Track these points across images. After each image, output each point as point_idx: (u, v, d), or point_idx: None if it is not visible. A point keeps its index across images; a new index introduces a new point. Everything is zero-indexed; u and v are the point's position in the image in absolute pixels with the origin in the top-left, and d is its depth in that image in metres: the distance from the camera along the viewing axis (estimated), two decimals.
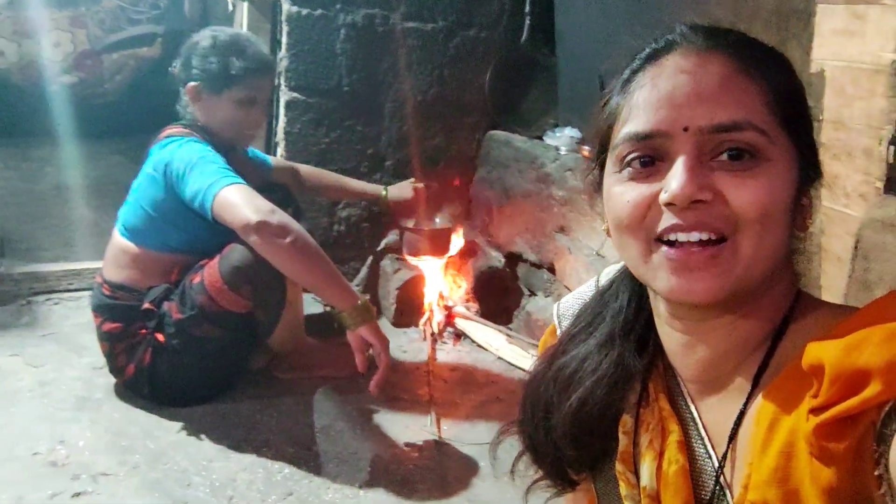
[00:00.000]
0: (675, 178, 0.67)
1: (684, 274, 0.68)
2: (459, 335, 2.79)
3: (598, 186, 0.81)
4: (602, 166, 0.79)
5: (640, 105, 0.72)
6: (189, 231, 2.14)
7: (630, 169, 0.72)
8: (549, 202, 2.68)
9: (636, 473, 0.79)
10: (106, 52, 5.19)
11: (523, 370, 2.47)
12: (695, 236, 0.67)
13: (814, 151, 0.74)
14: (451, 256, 2.97)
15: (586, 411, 0.82)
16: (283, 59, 2.87)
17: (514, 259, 2.95)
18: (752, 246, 0.67)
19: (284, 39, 2.87)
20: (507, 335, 2.64)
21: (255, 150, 2.60)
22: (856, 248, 1.52)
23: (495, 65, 3.10)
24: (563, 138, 2.78)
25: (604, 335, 0.84)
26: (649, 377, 0.82)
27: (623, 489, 0.79)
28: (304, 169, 2.76)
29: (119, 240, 2.21)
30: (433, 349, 2.66)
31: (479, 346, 2.72)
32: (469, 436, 2.13)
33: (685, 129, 0.68)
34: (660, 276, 0.71)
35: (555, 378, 0.86)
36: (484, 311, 2.88)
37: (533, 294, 2.85)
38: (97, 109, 5.08)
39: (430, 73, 3.05)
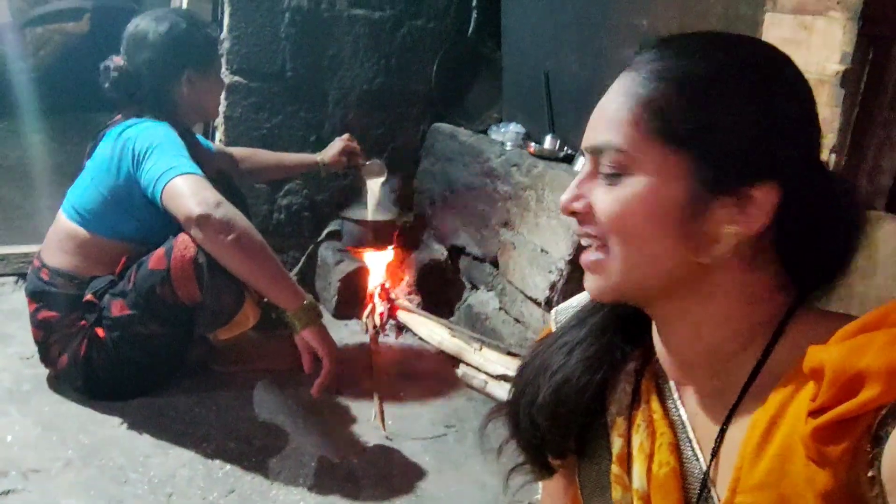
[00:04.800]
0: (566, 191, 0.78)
1: (586, 275, 0.78)
2: (402, 328, 2.78)
3: None
4: None
5: None
6: (144, 221, 2.05)
7: None
8: (493, 197, 2.68)
9: (629, 475, 0.80)
10: (30, 26, 4.95)
11: (465, 363, 2.48)
12: (585, 241, 0.77)
13: (729, 159, 0.69)
14: (394, 248, 2.95)
15: (566, 389, 0.84)
16: (224, 41, 2.78)
17: (456, 252, 2.95)
18: (619, 254, 0.73)
19: (226, 21, 2.79)
20: (450, 328, 2.64)
21: (199, 136, 2.52)
22: None
23: (442, 56, 3.08)
24: (508, 133, 2.79)
25: (596, 326, 0.86)
26: (642, 379, 0.83)
27: (617, 493, 0.80)
28: (237, 151, 2.69)
29: (66, 223, 2.10)
30: (375, 342, 2.64)
31: (421, 339, 2.71)
32: (413, 429, 2.13)
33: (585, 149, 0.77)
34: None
35: (543, 361, 0.88)
36: (425, 303, 2.88)
37: (475, 287, 2.86)
38: (19, 86, 4.84)
39: (377, 61, 3.02)
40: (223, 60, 2.77)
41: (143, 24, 2.14)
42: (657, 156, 0.70)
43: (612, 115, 0.74)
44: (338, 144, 2.71)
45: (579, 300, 0.96)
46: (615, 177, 0.72)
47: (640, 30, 2.22)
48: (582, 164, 0.79)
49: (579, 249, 0.79)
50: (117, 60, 2.14)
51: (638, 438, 0.79)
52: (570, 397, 0.84)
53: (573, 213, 0.76)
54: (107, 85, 2.14)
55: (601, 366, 0.84)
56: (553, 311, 0.99)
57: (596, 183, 0.75)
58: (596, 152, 0.74)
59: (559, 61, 2.67)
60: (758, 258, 0.73)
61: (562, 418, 0.85)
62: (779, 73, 0.73)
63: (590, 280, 0.78)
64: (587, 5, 2.48)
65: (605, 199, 0.73)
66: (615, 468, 0.80)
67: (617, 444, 0.81)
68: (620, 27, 2.34)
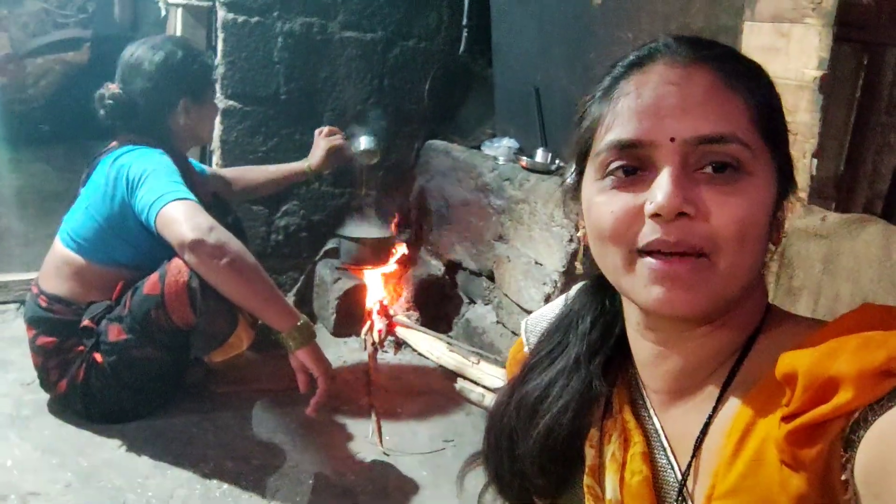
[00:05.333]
0: (662, 190, 0.67)
1: (666, 285, 0.68)
2: (400, 344, 2.79)
3: (574, 193, 0.80)
4: (581, 173, 0.78)
5: (625, 113, 0.71)
6: (139, 247, 2.07)
7: (613, 177, 0.71)
8: (487, 211, 2.71)
9: (602, 486, 0.78)
10: (29, 57, 5.02)
11: (464, 377, 2.48)
12: (676, 249, 0.68)
13: (790, 164, 0.74)
14: (391, 265, 2.98)
15: (553, 438, 0.81)
16: (218, 66, 2.83)
17: (453, 267, 2.97)
18: (729, 264, 0.67)
19: (220, 46, 2.83)
20: (448, 343, 2.66)
21: (192, 160, 2.55)
22: (782, 256, 1.59)
23: (434, 75, 3.13)
24: (500, 148, 2.82)
25: (569, 360, 0.83)
26: (613, 389, 0.82)
27: None
28: (229, 172, 2.71)
29: (62, 250, 2.12)
30: (373, 358, 2.65)
31: (420, 354, 2.73)
32: (410, 445, 2.13)
33: (672, 140, 0.67)
34: (642, 288, 0.70)
35: (518, 407, 0.85)
36: (424, 319, 2.89)
37: (472, 302, 2.87)
38: (20, 116, 4.90)
39: (370, 82, 3.06)
40: (217, 85, 2.81)
41: (138, 52, 2.17)
42: (766, 155, 0.69)
43: (721, 107, 0.68)
44: (321, 146, 2.68)
45: (550, 309, 0.94)
46: (732, 174, 0.67)
47: (625, 43, 2.25)
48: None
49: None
50: (112, 88, 2.16)
51: (610, 448, 0.78)
52: (559, 446, 0.81)
53: (679, 216, 0.66)
54: (102, 112, 2.17)
55: (582, 406, 0.81)
56: (524, 322, 0.97)
57: (696, 181, 0.68)
58: (714, 142, 0.67)
59: (549, 76, 2.70)
60: None
61: (554, 468, 0.83)
62: None
63: (686, 293, 0.67)
64: (573, 21, 2.52)
65: (728, 202, 0.66)
66: (588, 479, 0.79)
67: (589, 455, 0.80)
68: (606, 41, 2.37)
